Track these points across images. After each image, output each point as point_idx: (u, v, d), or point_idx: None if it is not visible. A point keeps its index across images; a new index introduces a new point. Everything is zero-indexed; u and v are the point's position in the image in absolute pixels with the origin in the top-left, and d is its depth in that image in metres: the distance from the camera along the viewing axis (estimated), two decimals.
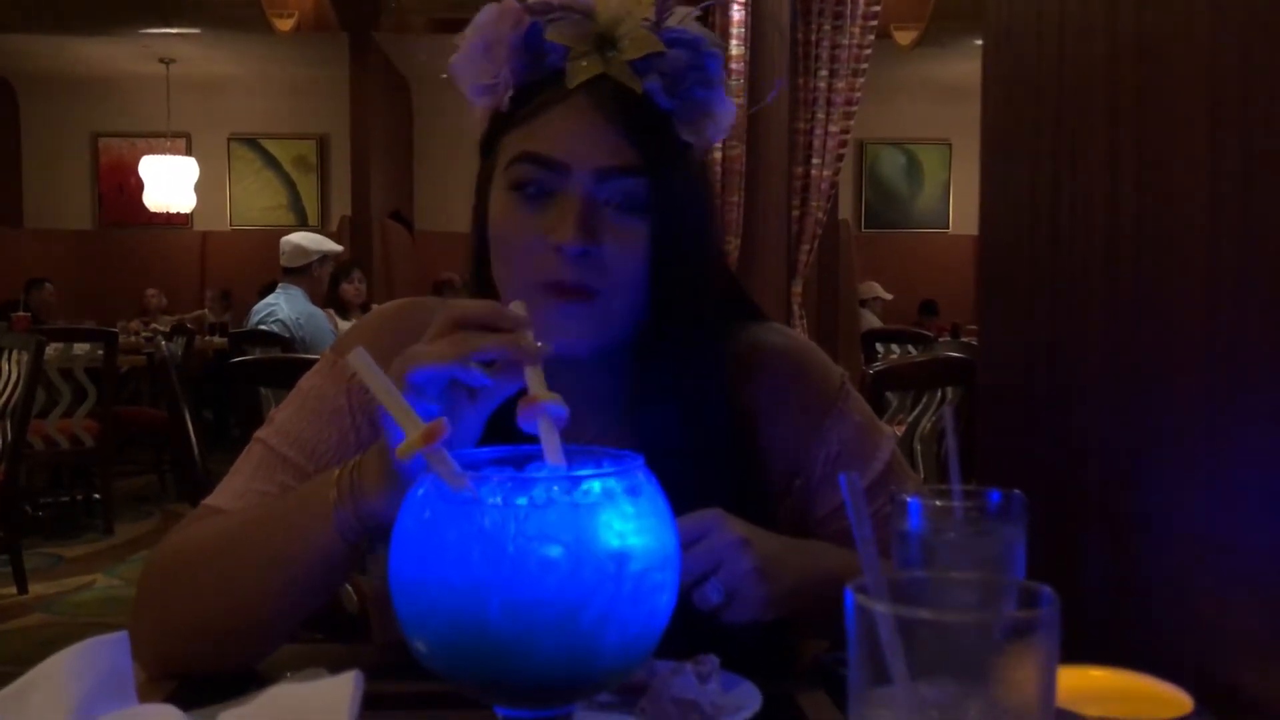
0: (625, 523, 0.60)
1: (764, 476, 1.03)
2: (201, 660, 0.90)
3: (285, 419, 1.01)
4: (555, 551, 0.58)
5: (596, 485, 0.60)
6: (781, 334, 1.09)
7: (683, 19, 0.95)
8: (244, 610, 0.88)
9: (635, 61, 0.90)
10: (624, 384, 0.99)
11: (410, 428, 0.61)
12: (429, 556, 0.59)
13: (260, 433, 1.01)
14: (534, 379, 0.68)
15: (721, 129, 0.97)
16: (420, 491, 0.62)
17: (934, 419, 2.42)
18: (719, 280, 1.04)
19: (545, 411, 0.66)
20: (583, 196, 0.90)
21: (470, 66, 0.95)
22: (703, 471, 0.95)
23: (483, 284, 0.99)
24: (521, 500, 0.59)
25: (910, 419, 2.47)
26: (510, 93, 0.93)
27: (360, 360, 0.63)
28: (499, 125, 0.96)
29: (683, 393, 0.97)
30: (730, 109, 0.97)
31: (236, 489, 0.98)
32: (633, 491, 0.61)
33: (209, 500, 0.99)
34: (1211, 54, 0.73)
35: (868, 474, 1.02)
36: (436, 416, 0.63)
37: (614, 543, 0.59)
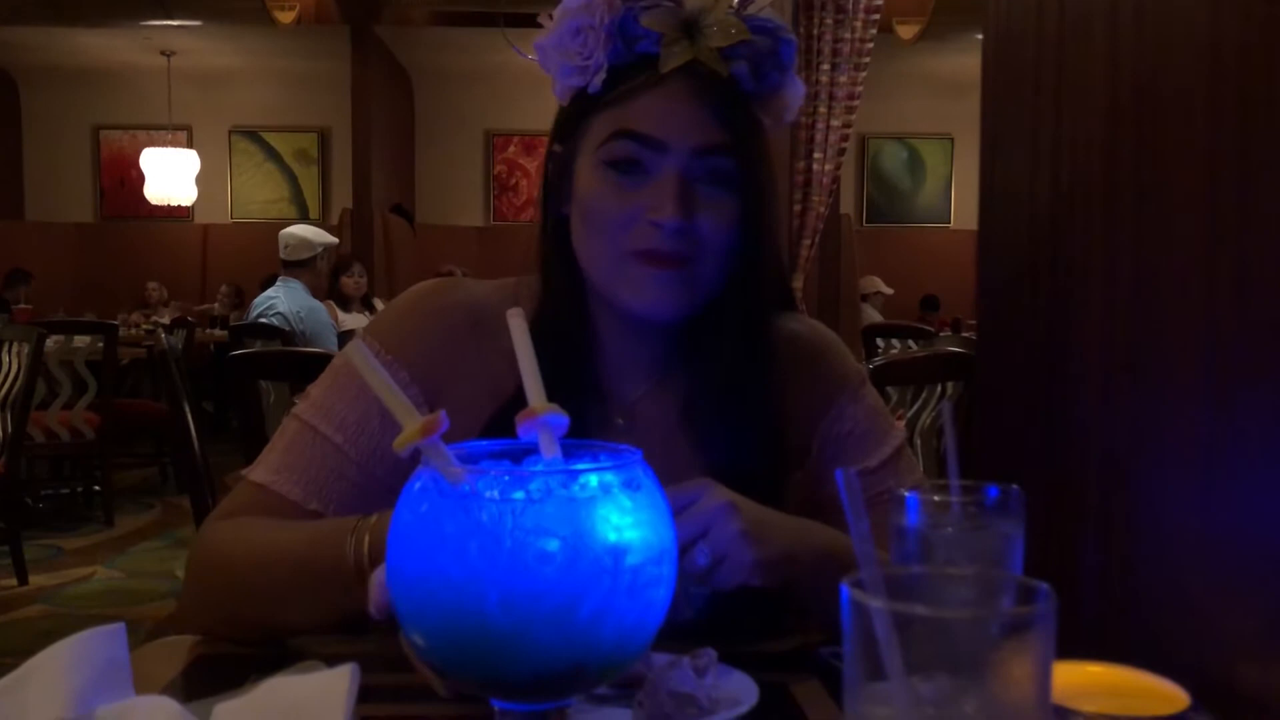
0: (622, 517, 0.60)
1: (781, 449, 1.06)
2: (237, 635, 0.97)
3: (320, 395, 1.05)
4: (552, 545, 0.58)
5: (594, 479, 0.60)
6: (808, 323, 1.16)
7: (761, 7, 1.01)
8: (270, 620, 0.95)
9: (723, 48, 0.97)
10: (670, 339, 1.06)
11: (408, 421, 0.61)
12: (426, 550, 0.59)
13: (297, 409, 1.05)
14: (534, 390, 0.67)
15: (793, 111, 1.04)
16: (417, 485, 0.62)
17: (934, 414, 2.42)
18: (777, 263, 1.12)
19: (545, 424, 0.66)
20: (679, 174, 0.96)
21: (559, 49, 1.00)
22: (736, 437, 1.02)
23: (555, 260, 1.05)
24: (519, 494, 0.59)
25: (910, 414, 2.47)
26: (602, 75, 0.97)
27: (359, 355, 0.63)
28: (587, 106, 1.00)
29: (729, 362, 1.03)
30: (800, 92, 1.04)
31: (273, 464, 1.03)
32: (630, 486, 0.61)
33: (249, 474, 1.04)
34: (1210, 48, 0.73)
35: (874, 458, 1.07)
36: None
37: (611, 537, 0.59)
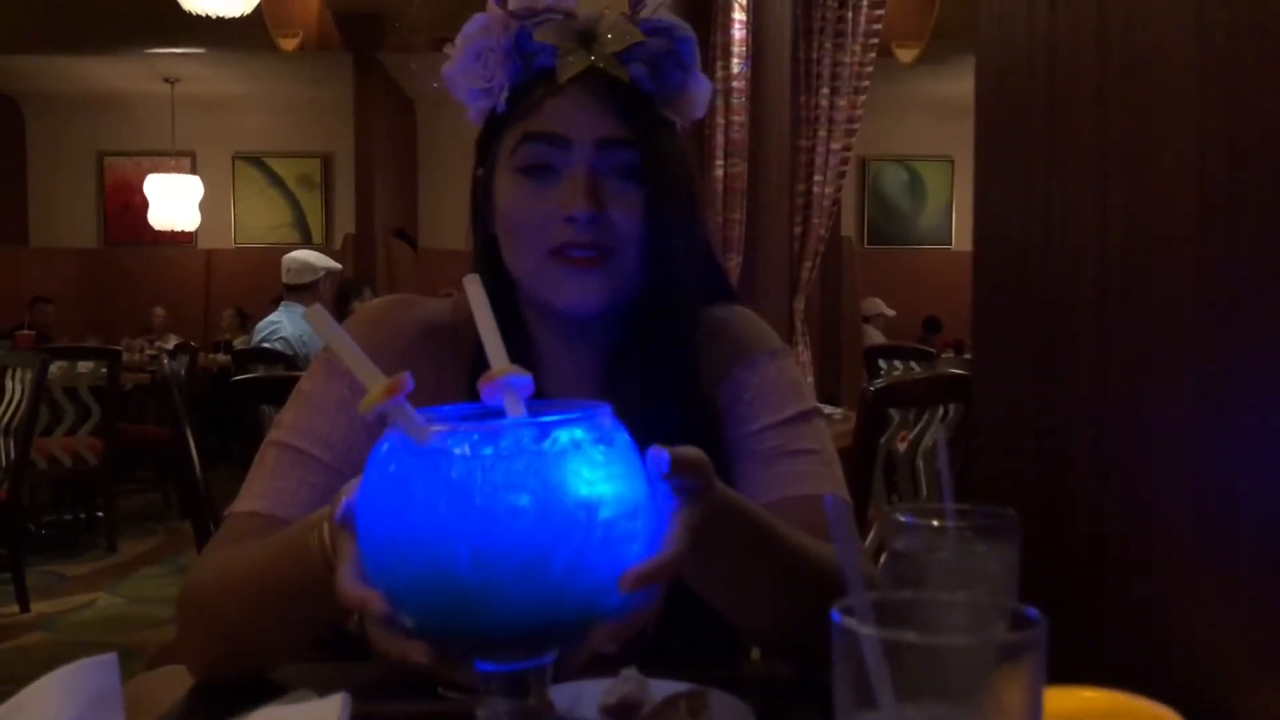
0: (594, 470, 0.60)
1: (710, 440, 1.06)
2: (233, 670, 0.95)
3: (293, 419, 1.05)
4: (523, 500, 0.57)
5: (564, 434, 0.60)
6: (733, 311, 1.16)
7: (656, 8, 1.03)
8: (254, 639, 0.92)
9: (619, 52, 0.99)
10: (605, 342, 1.07)
11: (371, 383, 0.61)
12: (397, 510, 0.59)
13: (271, 436, 1.05)
14: (495, 354, 0.68)
15: (699, 107, 1.06)
16: (385, 447, 0.62)
17: (934, 436, 2.42)
18: (703, 257, 1.13)
19: (509, 384, 0.66)
20: (587, 167, 0.98)
21: (464, 74, 1.03)
22: (667, 424, 0.99)
23: (489, 280, 1.04)
24: (488, 450, 0.58)
25: (912, 435, 2.47)
26: (505, 94, 1.01)
27: (317, 316, 0.63)
28: (497, 125, 1.04)
29: (659, 354, 1.05)
30: (706, 88, 1.06)
31: (258, 491, 1.01)
32: (601, 440, 0.61)
33: (234, 508, 1.02)
34: (1198, 75, 0.73)
35: (763, 420, 1.07)
36: None
37: (583, 490, 0.59)
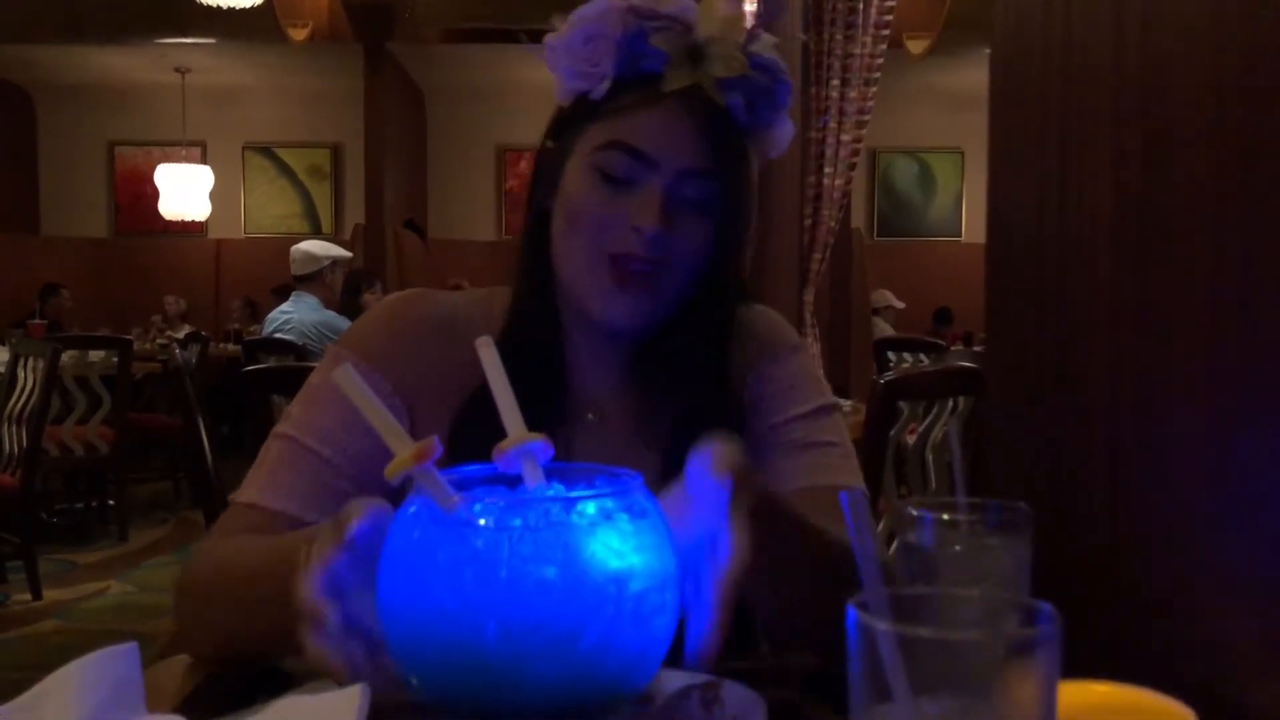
0: (623, 542, 0.58)
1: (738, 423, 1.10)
2: (230, 660, 0.96)
3: (301, 414, 1.05)
4: (551, 573, 0.55)
5: (592, 505, 0.58)
6: (753, 309, 1.19)
7: (765, 46, 1.04)
8: (249, 642, 0.92)
9: (724, 79, 1.00)
10: (642, 347, 1.09)
11: (399, 447, 0.60)
12: (420, 580, 0.57)
13: (279, 428, 1.06)
14: (512, 420, 0.66)
15: (779, 148, 1.08)
16: (411, 510, 0.60)
17: (945, 429, 2.42)
18: (740, 273, 1.14)
19: (529, 451, 0.64)
20: (664, 190, 1.00)
21: (569, 53, 1.03)
22: (697, 430, 1.00)
23: (532, 253, 1.08)
24: (515, 521, 0.57)
25: (922, 428, 2.47)
26: (607, 84, 1.01)
27: (346, 378, 0.62)
28: (586, 110, 1.03)
29: (690, 351, 1.07)
30: (789, 132, 1.08)
31: (262, 483, 1.02)
32: (630, 511, 0.59)
33: (237, 496, 1.03)
34: (1215, 69, 0.73)
35: (790, 411, 1.11)
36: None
37: (612, 563, 0.57)
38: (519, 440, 0.65)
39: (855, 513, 0.52)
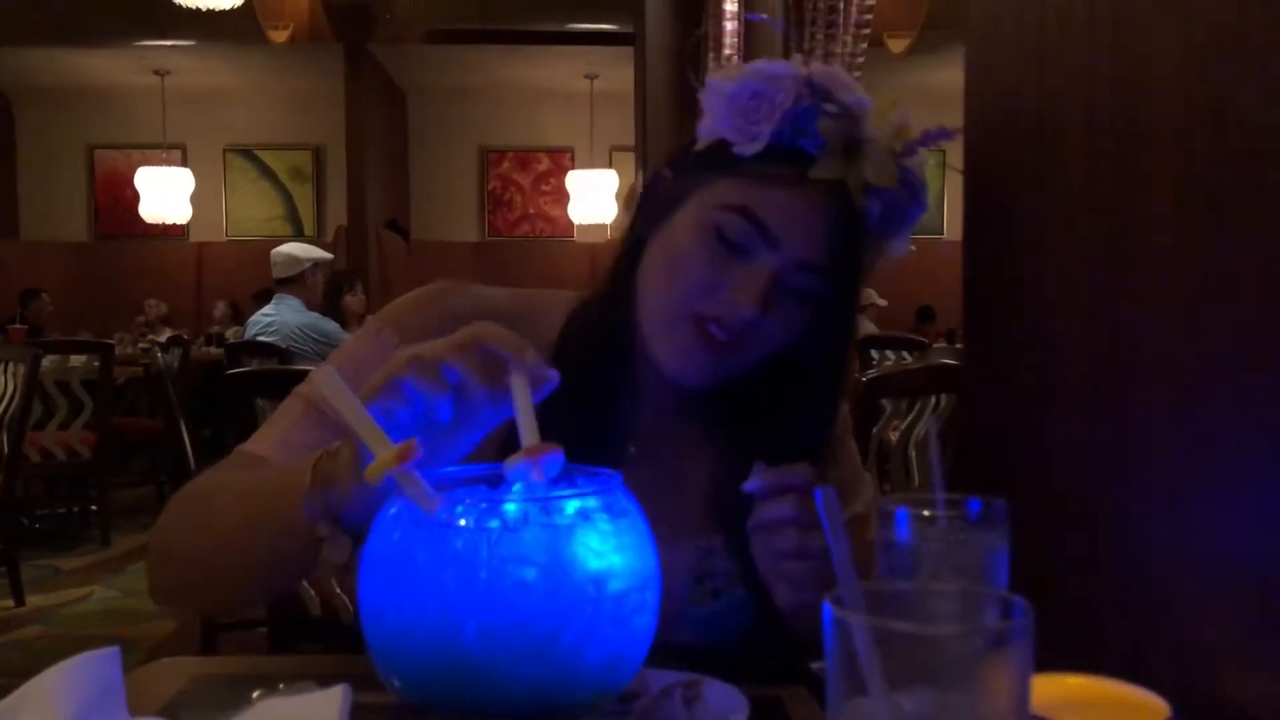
0: (604, 542, 0.58)
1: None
2: (190, 591, 0.98)
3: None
4: (530, 574, 0.55)
5: (573, 505, 0.58)
6: None
7: (917, 164, 1.01)
8: (221, 556, 0.92)
9: (870, 183, 0.97)
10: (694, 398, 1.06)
11: (379, 448, 0.59)
12: (400, 581, 0.57)
13: (300, 388, 1.04)
14: (529, 428, 0.66)
15: (888, 260, 1.06)
16: (391, 512, 0.60)
17: (926, 427, 2.43)
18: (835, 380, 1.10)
19: (541, 465, 0.64)
20: (775, 272, 0.97)
21: (732, 101, 0.99)
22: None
23: (619, 279, 1.06)
24: (494, 522, 0.57)
25: (904, 425, 2.48)
26: (759, 146, 0.97)
27: (327, 380, 0.62)
28: (723, 160, 1.00)
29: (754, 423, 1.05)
30: (903, 251, 1.05)
31: (275, 438, 1.02)
32: (611, 511, 0.59)
33: (246, 446, 1.03)
34: (1186, 65, 0.74)
35: (852, 509, 1.09)
36: (407, 438, 0.61)
37: (592, 563, 0.57)
38: (536, 450, 0.64)
39: (829, 511, 0.53)
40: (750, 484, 0.95)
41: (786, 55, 4.22)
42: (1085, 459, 0.86)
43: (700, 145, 1.03)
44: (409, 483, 0.58)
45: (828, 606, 0.48)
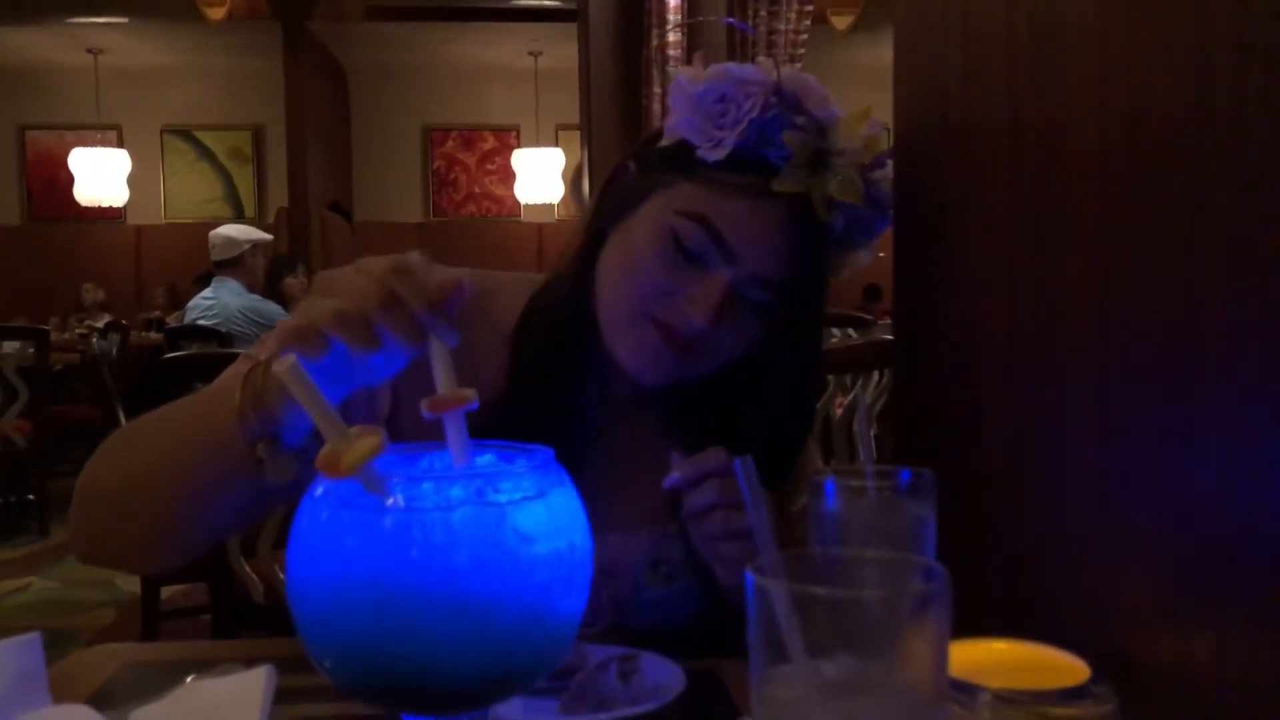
0: (536, 519, 0.57)
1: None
2: (118, 537, 0.89)
3: (274, 343, 1.00)
4: (462, 553, 0.55)
5: (506, 484, 0.57)
6: None
7: (883, 178, 1.00)
8: (151, 484, 0.86)
9: (834, 197, 0.96)
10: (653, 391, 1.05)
11: (340, 441, 0.58)
12: (328, 562, 0.56)
13: (250, 350, 1.01)
14: (445, 375, 0.65)
15: (854, 270, 1.06)
16: (318, 491, 0.59)
17: (856, 399, 2.46)
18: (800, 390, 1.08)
19: (454, 414, 0.63)
20: (730, 283, 0.96)
21: (697, 103, 0.97)
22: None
23: (579, 269, 1.04)
24: (425, 501, 0.56)
25: (848, 401, 2.51)
26: (723, 152, 0.95)
27: (289, 371, 0.59)
28: (685, 163, 0.98)
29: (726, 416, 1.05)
30: (866, 261, 1.06)
31: (210, 391, 0.97)
32: (543, 489, 0.59)
33: (180, 401, 0.98)
34: (1104, 47, 0.75)
35: (798, 503, 1.08)
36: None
37: (525, 540, 0.57)
38: (452, 399, 0.62)
39: (748, 479, 0.53)
40: (669, 480, 0.95)
41: (730, 32, 4.18)
42: (1009, 430, 0.88)
43: (665, 142, 1.01)
44: (367, 471, 0.57)
45: (748, 574, 0.48)
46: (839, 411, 2.53)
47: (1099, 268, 0.74)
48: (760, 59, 1.00)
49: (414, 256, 0.69)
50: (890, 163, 1.00)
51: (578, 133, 5.12)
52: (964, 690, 0.57)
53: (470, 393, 0.63)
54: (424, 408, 0.62)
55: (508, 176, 10.19)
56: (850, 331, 5.42)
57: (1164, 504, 0.68)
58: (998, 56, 0.90)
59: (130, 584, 4.01)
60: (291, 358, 0.59)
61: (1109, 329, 0.73)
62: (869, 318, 6.17)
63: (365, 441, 0.56)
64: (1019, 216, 0.86)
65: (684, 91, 0.98)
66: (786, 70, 0.97)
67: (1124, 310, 0.72)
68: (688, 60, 4.07)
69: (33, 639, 0.68)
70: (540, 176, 9.56)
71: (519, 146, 10.28)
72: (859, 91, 0.97)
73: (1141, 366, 0.70)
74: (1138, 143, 0.70)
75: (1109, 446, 0.74)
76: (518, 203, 10.23)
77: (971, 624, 0.56)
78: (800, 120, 0.96)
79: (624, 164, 1.05)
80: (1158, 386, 0.68)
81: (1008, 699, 0.57)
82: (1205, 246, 0.64)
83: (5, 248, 9.99)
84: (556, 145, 9.96)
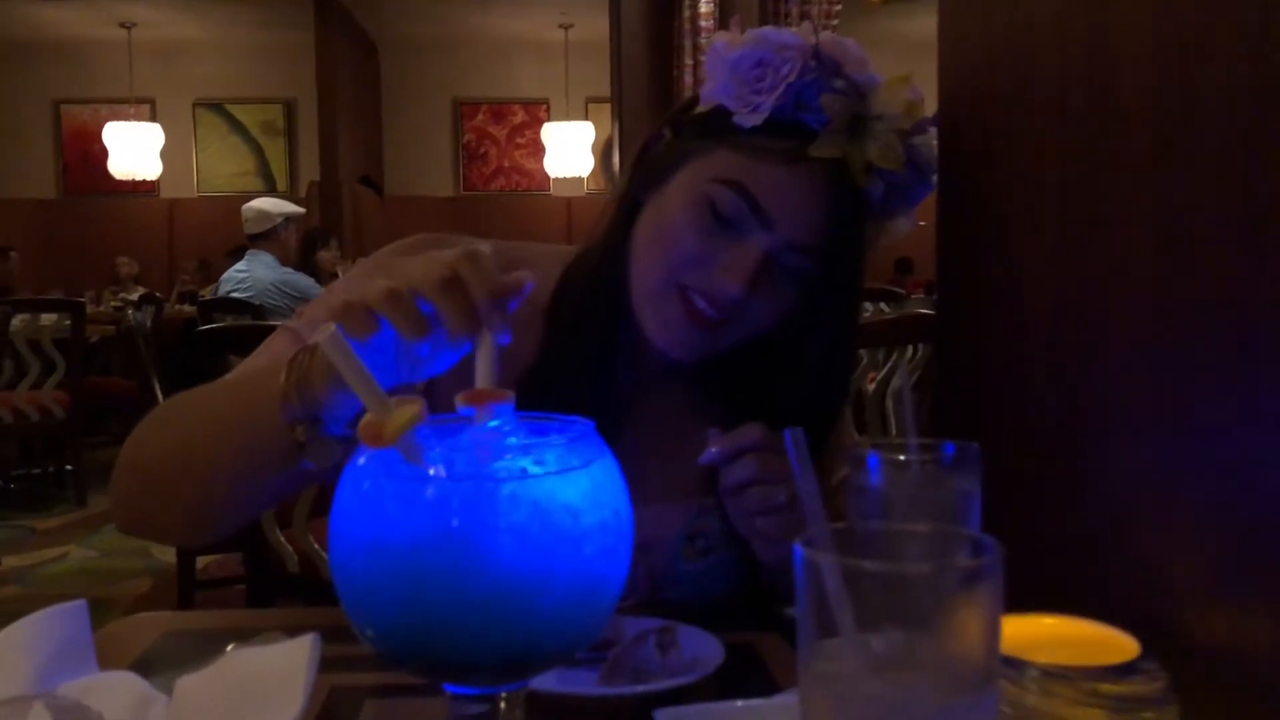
0: (578, 491, 0.57)
1: None
2: (157, 507, 0.90)
3: (315, 314, 1.02)
4: (504, 524, 0.55)
5: (549, 455, 0.57)
6: None
7: (925, 142, 0.98)
8: (191, 458, 0.86)
9: (873, 163, 0.94)
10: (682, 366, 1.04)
11: (381, 410, 0.58)
12: (370, 532, 0.56)
13: (289, 322, 1.03)
14: (486, 370, 0.64)
15: (892, 238, 1.03)
16: (361, 461, 0.59)
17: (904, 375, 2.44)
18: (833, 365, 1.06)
19: (492, 411, 0.63)
20: (766, 253, 0.94)
21: (733, 68, 0.95)
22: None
23: (612, 238, 1.03)
24: (468, 471, 0.56)
25: (881, 375, 2.49)
26: (759, 118, 0.93)
27: (330, 340, 0.59)
28: (722, 128, 0.96)
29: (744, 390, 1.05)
30: (909, 227, 1.03)
31: (255, 366, 0.99)
32: (585, 459, 0.58)
33: (227, 377, 1.00)
34: (1156, 9, 0.73)
35: (836, 476, 1.08)
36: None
37: (568, 514, 0.56)
38: (488, 396, 0.62)
39: (799, 451, 0.53)
40: (705, 455, 0.95)
41: (763, 6, 4.14)
42: (1056, 402, 0.87)
43: (700, 109, 1.00)
44: (406, 440, 0.56)
45: (797, 548, 0.48)
46: (871, 386, 2.51)
47: (1154, 235, 0.73)
48: (803, 24, 0.98)
49: (485, 247, 0.68)
50: (933, 129, 0.98)
51: (608, 106, 5.10)
52: (1011, 665, 0.56)
53: (509, 393, 0.62)
54: (460, 401, 0.62)
55: (537, 150, 10.17)
56: (882, 305, 5.39)
57: (1219, 476, 0.67)
58: (1047, 17, 0.88)
59: (166, 553, 4.06)
60: (331, 326, 0.58)
61: (1164, 298, 0.72)
62: (901, 291, 6.14)
63: (406, 410, 0.56)
64: (1069, 183, 0.84)
65: (721, 57, 0.96)
66: (825, 34, 0.95)
67: (1180, 279, 0.70)
68: (721, 29, 4.02)
69: (79, 606, 0.69)
70: (570, 150, 9.54)
71: (549, 120, 10.25)
72: (894, 62, 0.95)
73: (1196, 336, 0.69)
74: (1197, 106, 0.69)
75: (1162, 417, 0.72)
76: (547, 177, 10.22)
77: (1017, 599, 0.55)
78: (839, 85, 0.94)
79: (659, 132, 1.04)
80: (1213, 356, 0.67)
81: (1056, 674, 0.56)
82: (1268, 214, 0.62)
83: (42, 221, 10.09)
84: (586, 118, 9.93)
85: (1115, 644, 0.59)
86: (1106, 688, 0.56)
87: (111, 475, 0.91)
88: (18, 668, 0.65)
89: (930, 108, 1.01)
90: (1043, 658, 0.57)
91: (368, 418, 0.57)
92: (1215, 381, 0.67)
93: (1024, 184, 0.92)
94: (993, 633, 0.48)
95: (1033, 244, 0.91)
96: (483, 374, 0.63)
